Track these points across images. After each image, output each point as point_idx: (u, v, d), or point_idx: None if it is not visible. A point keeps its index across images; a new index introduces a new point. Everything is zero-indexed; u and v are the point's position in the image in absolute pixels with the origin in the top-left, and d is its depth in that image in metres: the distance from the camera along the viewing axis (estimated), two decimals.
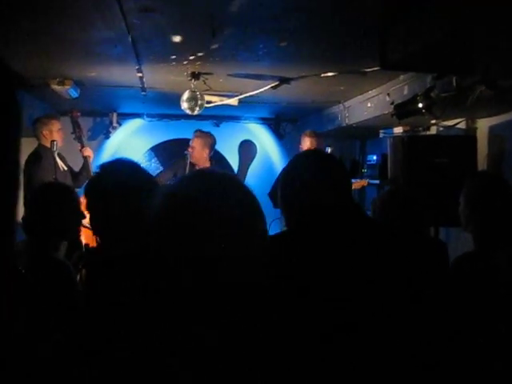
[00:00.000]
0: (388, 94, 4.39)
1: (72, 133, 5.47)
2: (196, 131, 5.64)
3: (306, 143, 5.65)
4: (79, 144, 5.48)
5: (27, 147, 5.39)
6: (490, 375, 1.95)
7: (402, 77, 4.14)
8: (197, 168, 5.52)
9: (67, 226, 2.77)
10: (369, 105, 4.89)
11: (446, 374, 1.63)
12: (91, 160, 5.39)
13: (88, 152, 5.39)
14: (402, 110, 3.81)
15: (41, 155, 5.02)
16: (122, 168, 2.09)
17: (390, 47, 2.65)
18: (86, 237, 4.35)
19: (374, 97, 4.78)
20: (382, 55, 2.70)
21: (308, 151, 2.39)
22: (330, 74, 4.00)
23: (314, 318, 1.52)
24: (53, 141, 4.95)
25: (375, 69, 3.59)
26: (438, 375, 1.60)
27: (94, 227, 2.08)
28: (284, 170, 2.00)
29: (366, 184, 5.78)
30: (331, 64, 3.84)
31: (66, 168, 5.15)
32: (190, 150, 5.54)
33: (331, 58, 3.67)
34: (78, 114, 5.58)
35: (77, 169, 5.39)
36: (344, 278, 1.63)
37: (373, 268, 1.67)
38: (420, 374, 1.57)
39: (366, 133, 6.56)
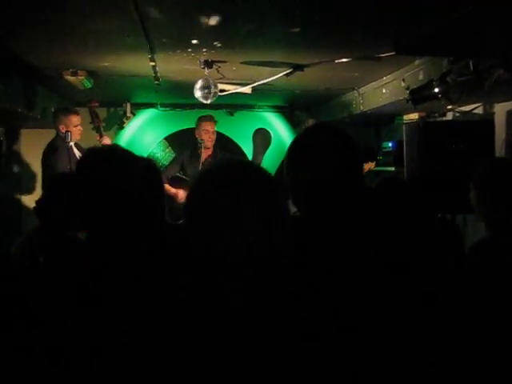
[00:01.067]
0: (403, 80, 4.33)
1: (90, 123, 5.47)
2: (209, 116, 5.68)
3: None
4: (97, 134, 5.48)
5: (41, 138, 5.42)
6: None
7: (417, 61, 4.09)
8: (202, 153, 5.58)
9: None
10: (384, 91, 4.84)
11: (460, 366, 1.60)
12: None
13: (107, 141, 5.40)
14: (418, 96, 3.76)
15: (57, 146, 5.07)
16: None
17: (405, 31, 2.61)
18: None
19: (388, 83, 4.73)
20: (397, 40, 2.66)
21: (319, 124, 2.29)
22: (344, 60, 3.96)
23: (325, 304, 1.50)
24: (67, 131, 4.97)
25: (390, 54, 3.54)
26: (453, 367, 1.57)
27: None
28: (293, 142, 1.90)
29: (372, 167, 5.75)
30: (345, 50, 3.80)
31: None
32: (211, 135, 5.59)
33: (345, 43, 3.63)
34: (96, 104, 5.59)
35: None
36: (354, 263, 1.59)
37: (385, 252, 1.63)
38: (437, 366, 1.54)
39: (380, 119, 6.50)
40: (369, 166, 5.69)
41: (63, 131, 5.06)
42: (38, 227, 2.88)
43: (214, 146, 5.81)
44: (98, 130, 5.52)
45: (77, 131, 5.15)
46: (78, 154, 5.13)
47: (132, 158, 1.87)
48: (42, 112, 5.43)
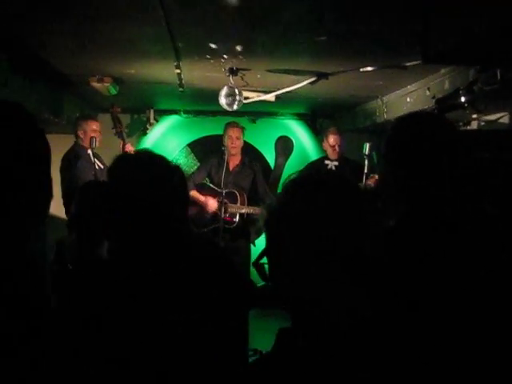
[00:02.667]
0: (428, 89, 4.31)
1: (112, 128, 5.47)
2: (234, 122, 5.59)
3: (330, 140, 5.67)
4: (120, 140, 5.45)
5: (65, 144, 5.46)
6: None
7: (442, 70, 4.07)
8: (229, 161, 5.48)
9: None
10: (408, 100, 4.82)
11: None
12: None
13: (130, 148, 5.40)
14: (444, 105, 3.74)
15: (79, 154, 5.07)
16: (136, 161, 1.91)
17: (433, 40, 2.59)
18: None
19: (413, 91, 4.70)
20: (424, 49, 2.64)
21: (416, 113, 2.01)
22: (369, 68, 3.95)
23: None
24: (92, 137, 5.00)
25: (416, 63, 3.53)
26: None
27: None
28: (393, 136, 1.73)
29: None
30: (371, 58, 3.80)
31: (102, 166, 5.11)
32: (236, 141, 5.47)
33: (371, 52, 3.63)
34: (119, 109, 5.55)
35: None
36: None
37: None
38: None
39: None
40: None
41: (82, 137, 5.11)
42: (73, 237, 2.87)
43: (243, 154, 5.67)
44: (120, 135, 5.45)
45: (97, 137, 5.15)
46: (96, 162, 5.14)
47: (164, 166, 1.87)
48: (68, 118, 5.49)
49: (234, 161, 5.55)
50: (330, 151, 5.75)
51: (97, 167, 5.02)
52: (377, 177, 5.25)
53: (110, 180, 1.86)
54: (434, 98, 3.99)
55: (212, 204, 5.42)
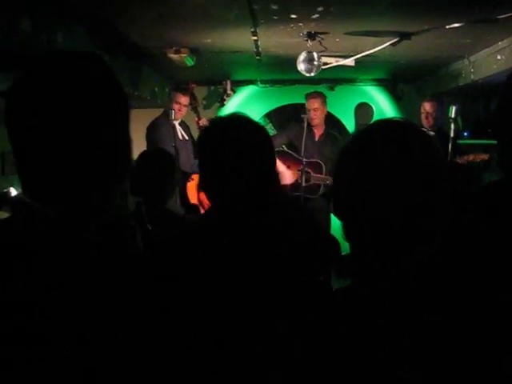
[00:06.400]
0: None
1: (189, 104, 5.59)
2: (313, 93, 5.45)
3: (423, 107, 5.43)
4: (196, 115, 5.68)
5: (147, 117, 5.55)
6: None
7: None
8: (314, 130, 5.38)
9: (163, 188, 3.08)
10: (498, 57, 4.52)
11: None
12: None
13: (204, 122, 5.47)
14: None
15: (158, 124, 5.23)
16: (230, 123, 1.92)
17: None
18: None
19: (504, 48, 4.39)
20: None
21: None
22: (456, 25, 3.71)
23: None
24: (170, 109, 5.07)
25: (510, 14, 3.28)
26: None
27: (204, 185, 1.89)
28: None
29: (486, 158, 5.21)
30: (458, 13, 3.56)
31: (187, 137, 5.29)
32: (313, 112, 5.33)
33: (458, 6, 3.39)
34: (194, 85, 5.77)
35: None
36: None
37: None
38: None
39: (491, 90, 6.12)
40: (481, 157, 5.17)
41: (169, 106, 5.23)
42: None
43: (326, 124, 5.53)
44: (195, 110, 5.72)
45: (177, 108, 5.24)
46: (181, 132, 5.24)
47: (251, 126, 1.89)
48: (148, 92, 5.56)
49: (318, 131, 5.42)
50: (423, 119, 5.49)
51: (180, 137, 5.14)
52: (471, 157, 5.05)
53: (199, 146, 1.91)
54: None
55: (290, 177, 5.35)
